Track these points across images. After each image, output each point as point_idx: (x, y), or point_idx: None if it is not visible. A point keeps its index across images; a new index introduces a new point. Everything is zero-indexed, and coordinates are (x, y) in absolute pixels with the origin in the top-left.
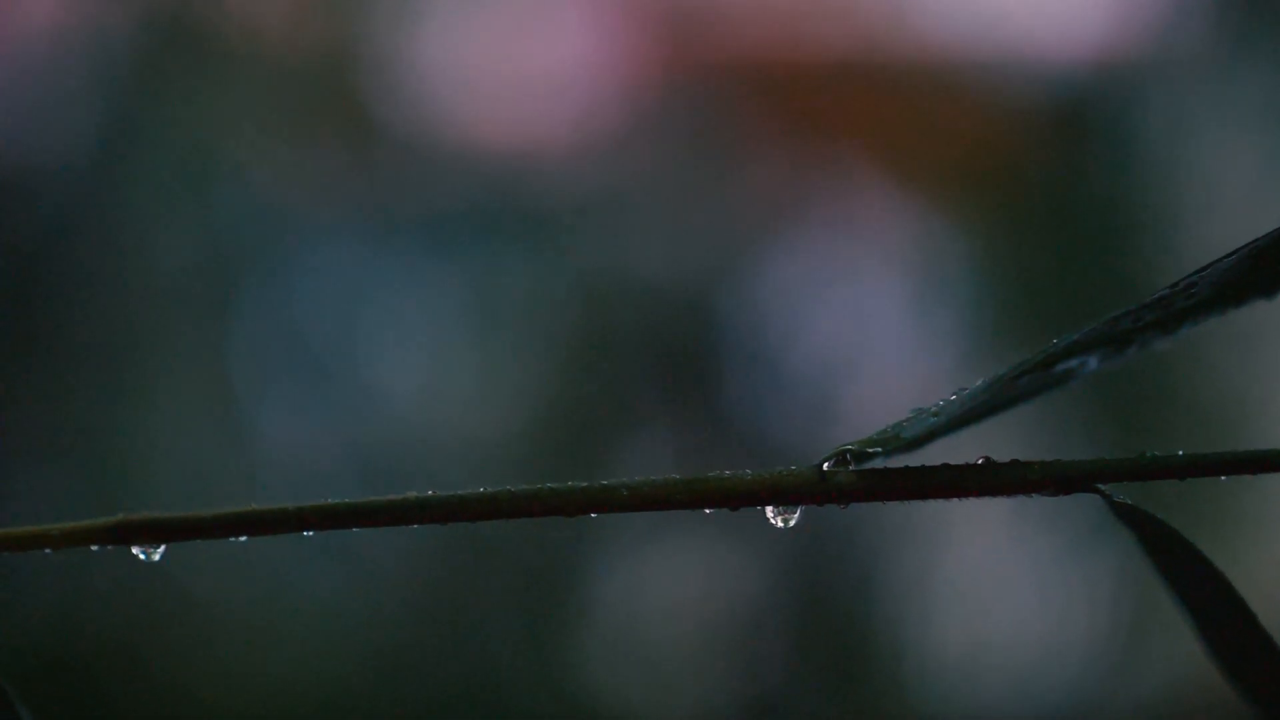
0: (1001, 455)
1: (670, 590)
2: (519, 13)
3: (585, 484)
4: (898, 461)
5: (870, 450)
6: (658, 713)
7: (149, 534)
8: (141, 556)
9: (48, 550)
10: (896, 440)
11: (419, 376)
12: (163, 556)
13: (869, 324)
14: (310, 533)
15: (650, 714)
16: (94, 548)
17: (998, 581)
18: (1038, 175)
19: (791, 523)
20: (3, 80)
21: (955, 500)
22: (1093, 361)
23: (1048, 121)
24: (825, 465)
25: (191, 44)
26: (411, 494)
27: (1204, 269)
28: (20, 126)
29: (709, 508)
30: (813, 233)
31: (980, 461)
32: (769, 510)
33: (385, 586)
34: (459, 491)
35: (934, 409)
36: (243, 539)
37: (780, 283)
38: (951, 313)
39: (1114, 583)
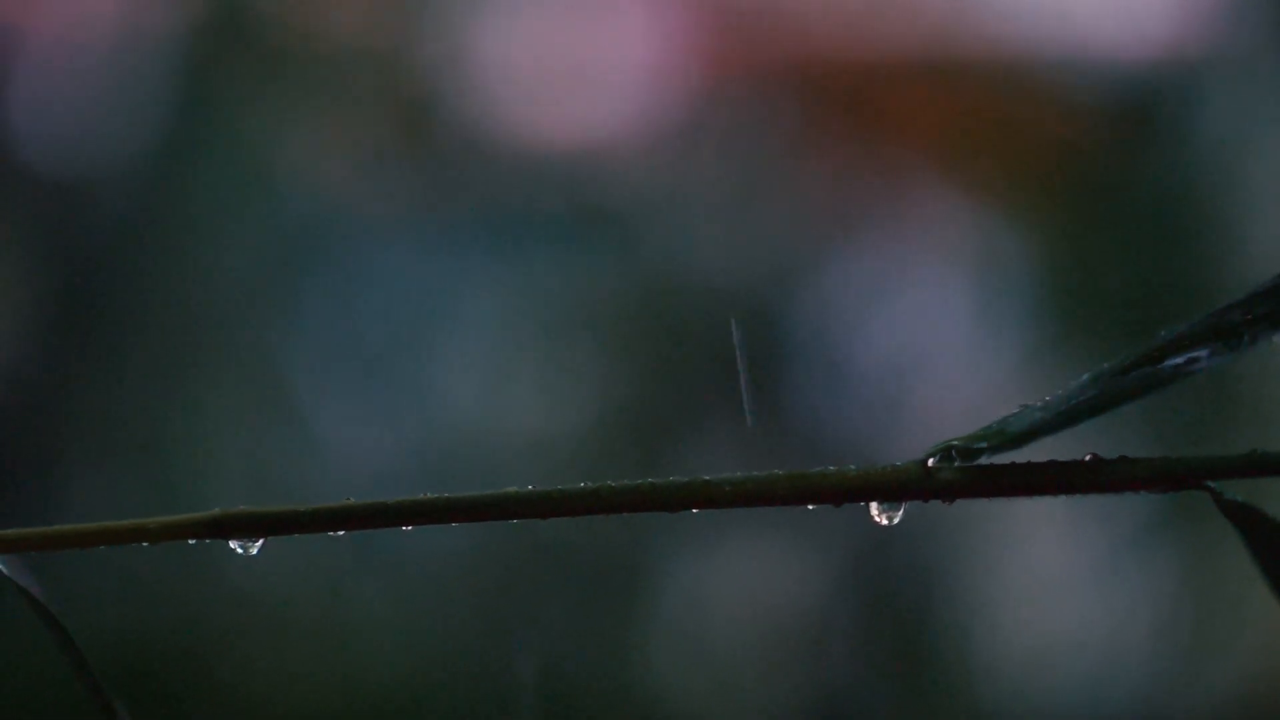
0: (1102, 453)
1: (735, 591)
2: (580, 10)
3: (687, 480)
4: (1003, 458)
5: (976, 446)
6: (723, 715)
7: (247, 528)
8: (239, 550)
9: (145, 544)
10: (1002, 436)
11: (481, 377)
12: (257, 551)
13: (934, 324)
14: (408, 528)
15: (715, 716)
16: (177, 543)
17: (1062, 580)
18: (1103, 174)
19: (896, 520)
20: (65, 84)
21: (1029, 498)
22: (1205, 357)
23: (1112, 119)
24: (930, 461)
25: (251, 45)
26: (510, 489)
27: None
28: (82, 130)
29: (812, 504)
30: (876, 232)
31: (1088, 459)
32: (873, 507)
33: (448, 588)
34: (559, 487)
35: (1040, 405)
36: (339, 533)
37: (844, 282)
38: (1016, 312)
39: (1178, 581)
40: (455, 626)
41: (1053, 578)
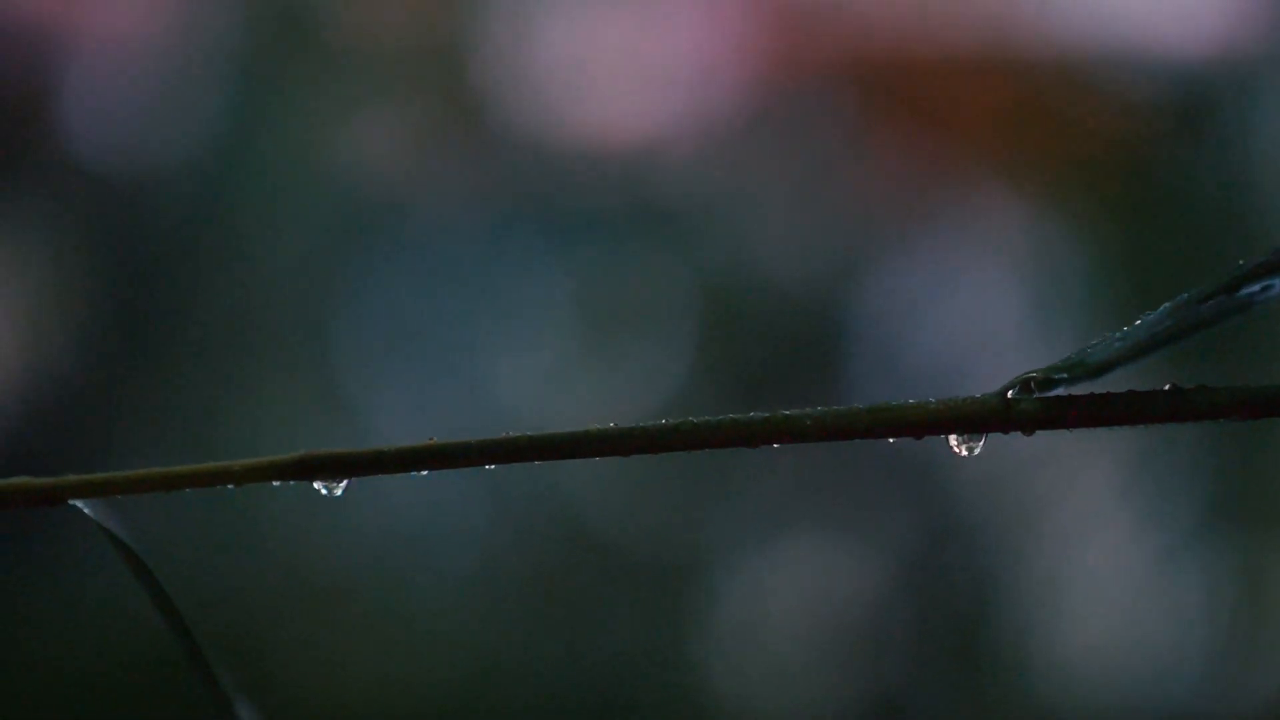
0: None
1: (792, 589)
2: (637, 5)
3: (770, 414)
4: (1082, 390)
5: (1055, 377)
6: (779, 713)
7: (331, 468)
8: (323, 491)
9: (230, 486)
10: (1081, 366)
11: (536, 374)
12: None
13: (989, 321)
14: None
15: (773, 711)
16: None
17: (1118, 580)
18: (1157, 170)
19: (976, 451)
20: (121, 81)
21: (1079, 497)
22: (1278, 285)
23: (1167, 116)
24: (1010, 393)
25: (306, 40)
26: (592, 427)
27: None
28: (138, 126)
29: (894, 437)
30: (931, 228)
31: (1167, 388)
32: (953, 439)
33: (504, 586)
34: (642, 423)
35: (1118, 334)
36: (423, 473)
37: (900, 279)
38: (1070, 308)
39: (1233, 580)
40: (510, 626)
41: (1106, 577)
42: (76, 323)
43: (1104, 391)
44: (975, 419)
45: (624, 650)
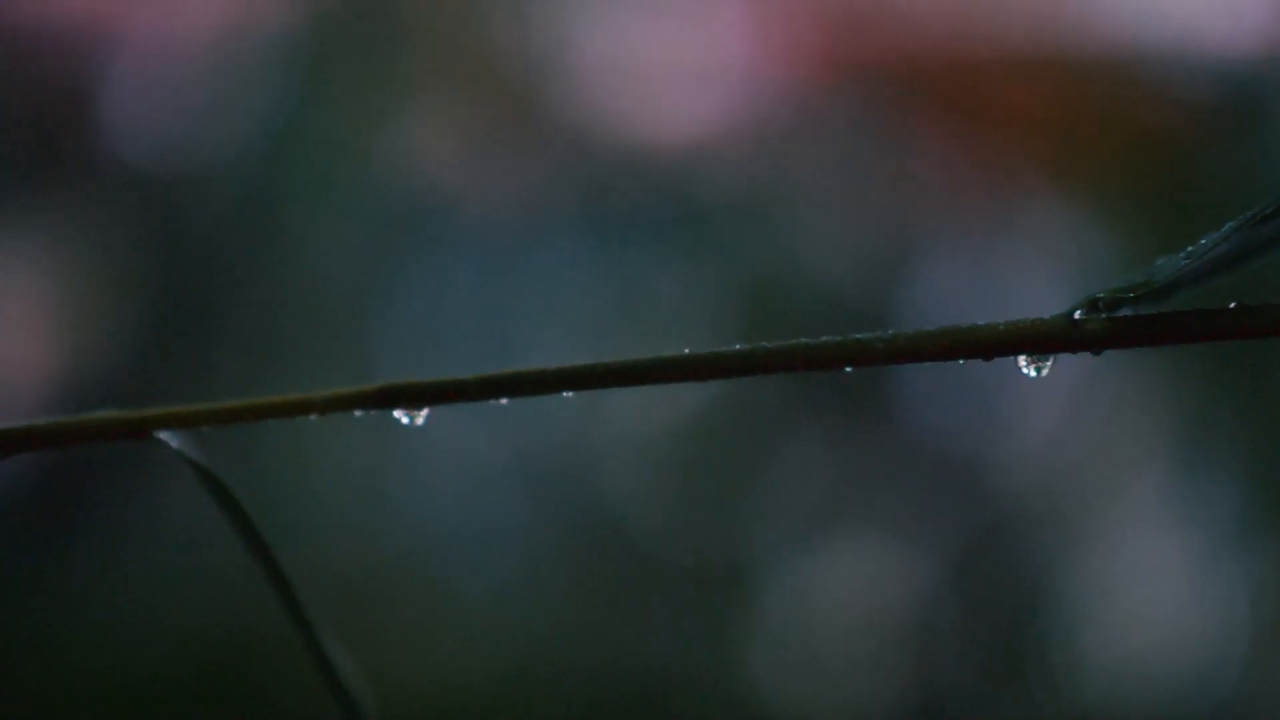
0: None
1: (834, 589)
2: (684, 7)
3: (840, 338)
4: (1148, 310)
5: (1121, 297)
6: (824, 712)
7: (412, 397)
8: (405, 420)
9: (313, 416)
10: (1148, 286)
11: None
12: (423, 421)
13: (1034, 317)
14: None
15: (816, 713)
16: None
17: (1162, 580)
18: (1204, 168)
19: (1044, 372)
20: (171, 79)
21: (1124, 496)
22: None
23: (1213, 114)
24: (1077, 314)
25: (356, 40)
26: (666, 353)
27: None
28: (187, 124)
29: (963, 359)
30: (978, 228)
31: (1232, 306)
32: (1021, 360)
33: (546, 586)
34: (717, 349)
35: (1185, 255)
36: (502, 401)
37: (946, 278)
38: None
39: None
40: (552, 626)
41: (1151, 576)
42: (124, 318)
43: (1170, 311)
44: (1043, 338)
45: (666, 650)
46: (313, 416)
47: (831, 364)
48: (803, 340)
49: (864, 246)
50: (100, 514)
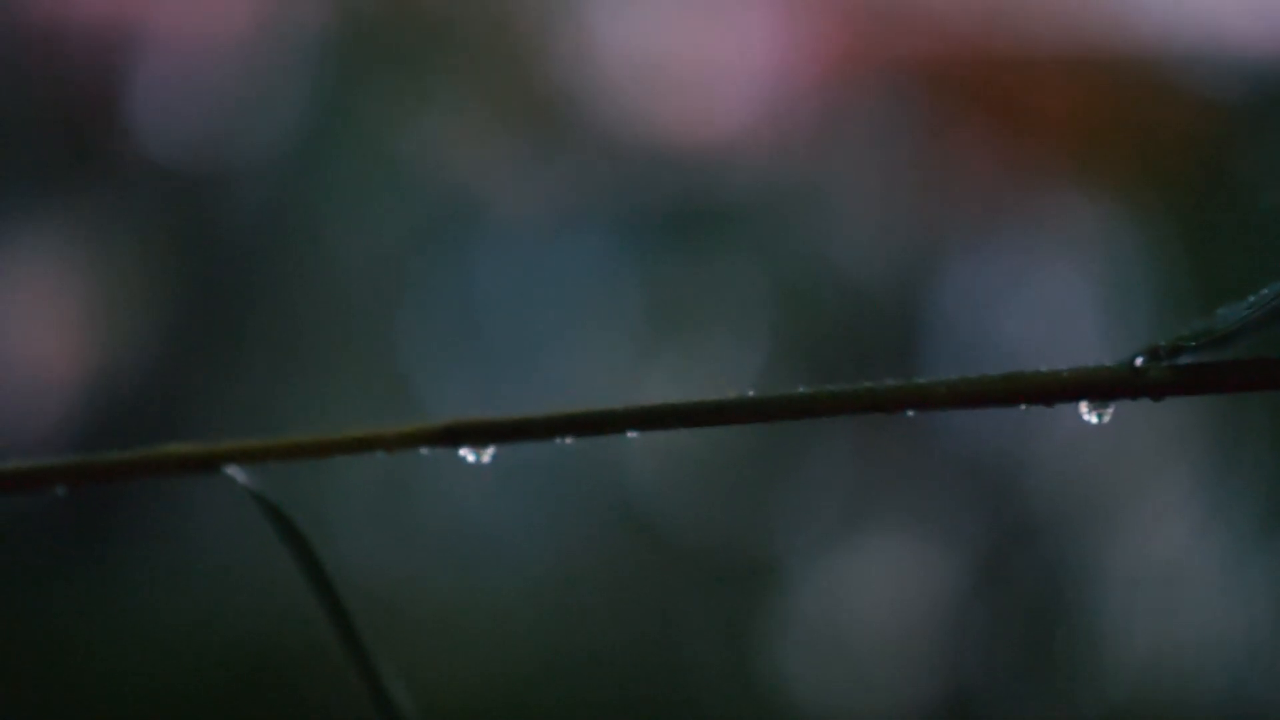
0: None
1: (864, 586)
2: (713, 5)
3: (902, 382)
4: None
5: (1183, 344)
6: (852, 709)
7: (479, 435)
8: (471, 459)
9: (381, 452)
10: (1210, 333)
11: (610, 371)
12: (490, 459)
13: (1064, 317)
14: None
15: (844, 710)
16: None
17: (1191, 577)
18: (1233, 167)
19: (1106, 418)
20: (202, 80)
21: (1152, 494)
22: None
23: (1242, 114)
24: (1138, 360)
25: (385, 42)
26: (731, 394)
27: None
28: (218, 124)
29: (1025, 404)
30: (1007, 226)
31: None
32: (1083, 406)
33: (575, 585)
34: (780, 392)
35: (1247, 303)
36: (567, 440)
37: (974, 279)
38: (1146, 305)
39: None
40: (585, 628)
41: (1182, 573)
42: (154, 317)
43: (1231, 359)
44: (1105, 386)
45: (695, 645)
46: (380, 454)
47: (895, 408)
48: (866, 385)
49: (893, 245)
50: (138, 519)
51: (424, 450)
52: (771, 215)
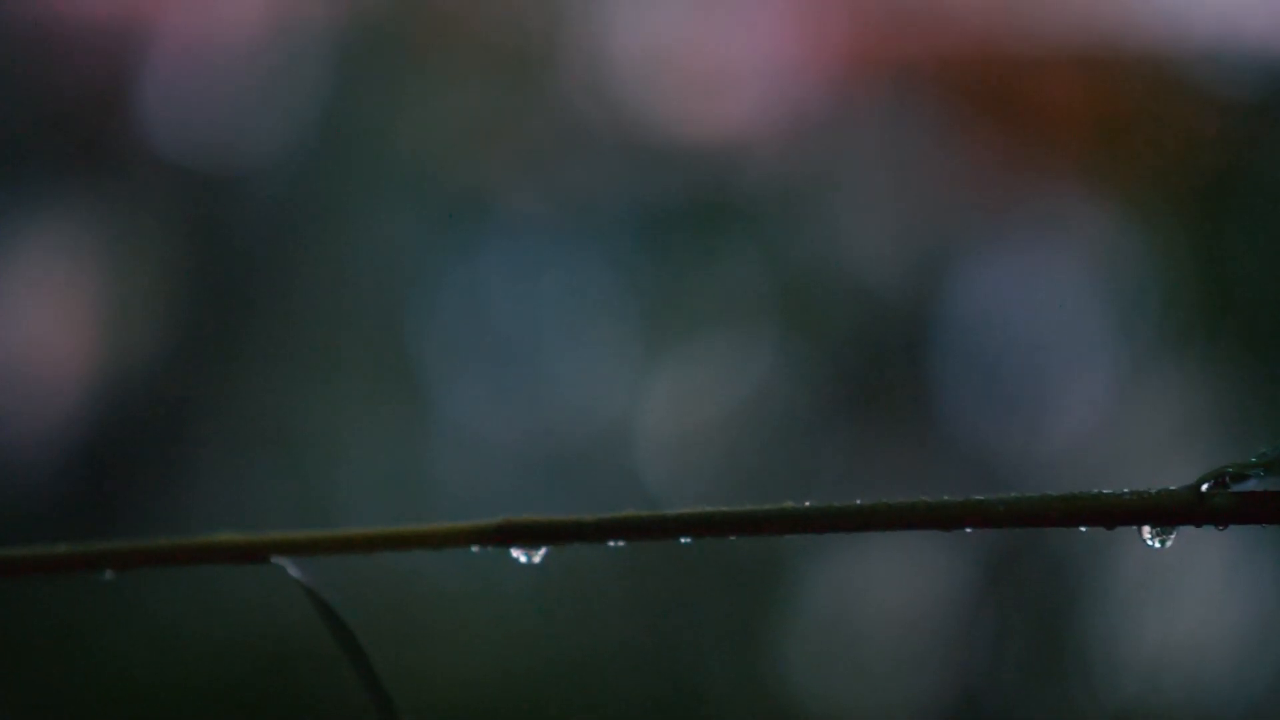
0: None
1: (873, 590)
2: (724, 4)
3: (962, 499)
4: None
5: (1248, 472)
6: (860, 710)
7: (531, 536)
8: (523, 559)
9: (432, 549)
10: (1275, 460)
11: (624, 371)
12: (540, 559)
13: (1075, 320)
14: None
15: (852, 711)
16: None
17: (1196, 581)
18: (1244, 169)
19: (1168, 544)
20: (217, 79)
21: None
22: None
23: (1257, 115)
24: (1204, 487)
25: (396, 38)
26: (788, 504)
27: None
28: (233, 124)
29: (1085, 525)
30: (1018, 227)
31: None
32: (1145, 531)
33: (589, 586)
34: (832, 503)
35: None
36: (619, 543)
37: (986, 277)
38: (1157, 305)
39: None
40: (598, 626)
41: (1187, 577)
42: (166, 313)
43: None
44: (1169, 511)
45: (705, 644)
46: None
47: (955, 525)
48: (924, 499)
49: (904, 243)
50: (146, 516)
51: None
52: (782, 213)
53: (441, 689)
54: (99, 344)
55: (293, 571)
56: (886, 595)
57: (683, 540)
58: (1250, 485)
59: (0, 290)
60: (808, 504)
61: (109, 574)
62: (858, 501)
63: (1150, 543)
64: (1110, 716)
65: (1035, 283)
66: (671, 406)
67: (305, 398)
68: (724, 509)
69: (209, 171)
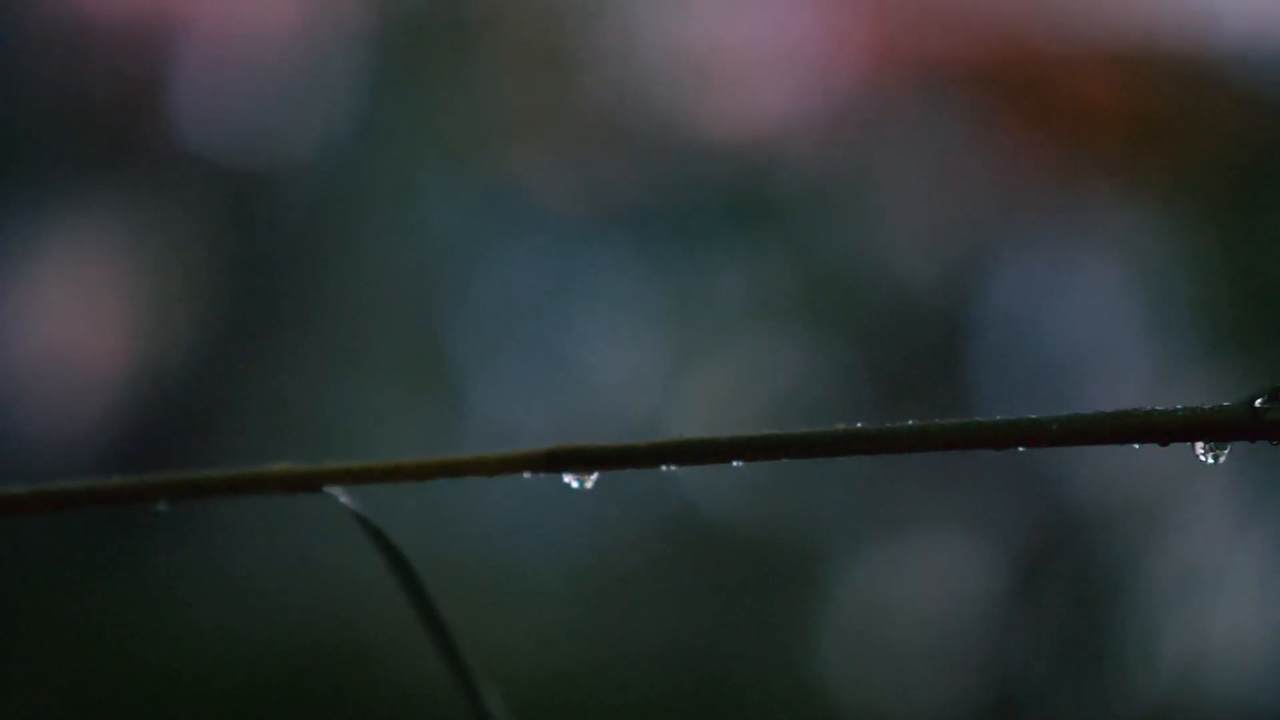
0: None
1: (909, 587)
2: (758, 1)
3: (1016, 418)
4: None
5: None
6: (893, 707)
7: (580, 462)
8: (574, 485)
9: (482, 476)
10: None
11: (652, 368)
12: (592, 485)
13: (1108, 317)
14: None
15: (886, 708)
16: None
17: (1234, 579)
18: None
19: (1221, 459)
20: (252, 76)
21: (1199, 493)
22: None
23: None
24: (1258, 402)
25: (431, 37)
26: (839, 425)
27: None
28: (266, 121)
29: (1139, 442)
30: (1052, 225)
31: None
32: (1199, 446)
33: (620, 579)
34: (889, 424)
35: None
36: (671, 468)
37: (1020, 275)
38: (1191, 303)
39: None
40: (633, 622)
41: (1225, 575)
42: (202, 310)
43: None
44: (1222, 426)
45: (744, 640)
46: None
47: (1007, 444)
48: (975, 419)
49: (938, 241)
50: (173, 514)
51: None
52: (816, 210)
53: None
54: (135, 340)
55: (345, 500)
56: (922, 592)
57: (734, 463)
58: None
59: (37, 286)
60: (860, 424)
61: (162, 506)
62: (910, 422)
63: (1204, 458)
64: (1147, 714)
65: (1068, 280)
66: (704, 403)
67: (339, 393)
68: (774, 432)
69: (245, 167)
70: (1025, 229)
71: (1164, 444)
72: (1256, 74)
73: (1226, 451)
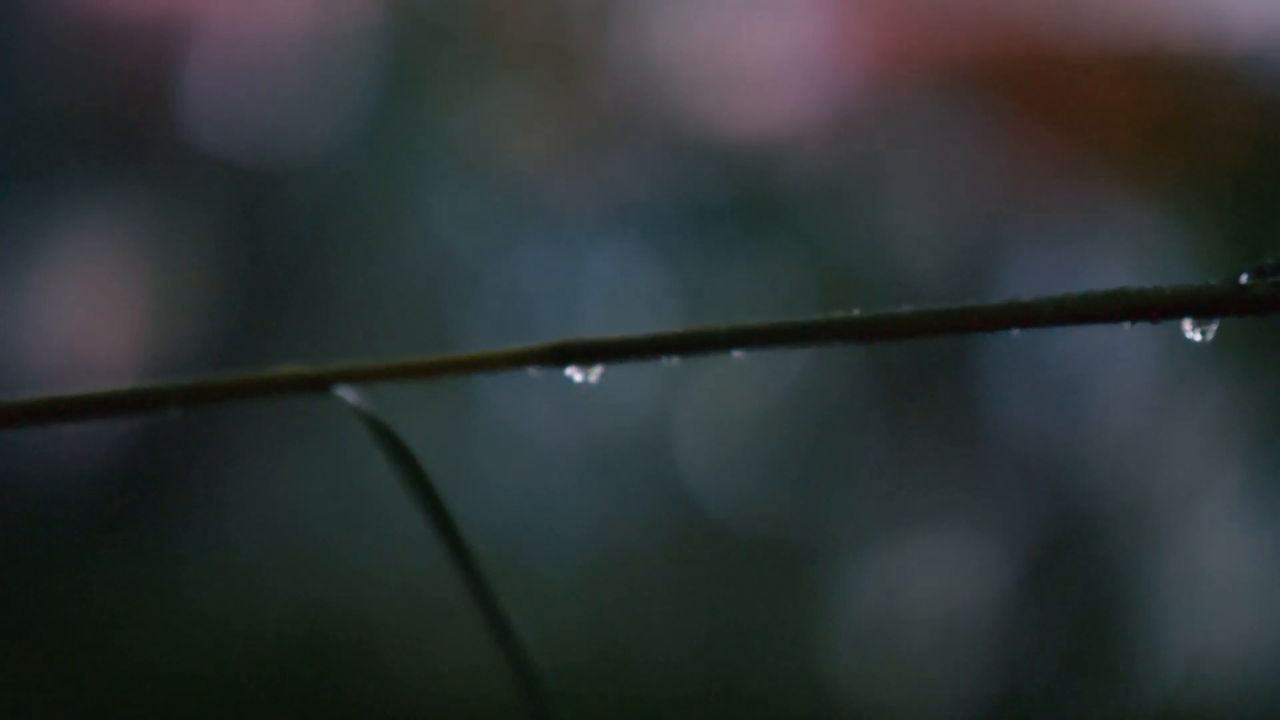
0: None
1: (918, 585)
2: (770, 3)
3: (1011, 300)
4: None
5: None
6: (906, 706)
7: (587, 354)
8: (579, 378)
9: (490, 373)
10: None
11: (661, 367)
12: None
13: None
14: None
15: (894, 703)
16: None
17: (1241, 575)
18: None
19: (1209, 335)
20: (264, 77)
21: (1205, 493)
22: None
23: None
24: (1244, 278)
25: (441, 36)
26: (855, 311)
27: None
28: (279, 121)
29: (1131, 320)
30: (1061, 224)
31: None
32: (1186, 323)
33: (634, 578)
34: (882, 311)
35: None
36: (673, 360)
37: (1027, 273)
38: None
39: None
40: (637, 615)
41: (1233, 571)
42: (213, 307)
43: None
44: (1210, 303)
45: (752, 638)
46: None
47: (1002, 326)
48: (972, 303)
49: (947, 239)
50: (179, 501)
51: (532, 372)
52: (826, 209)
53: (484, 683)
54: (146, 338)
55: (353, 400)
56: (931, 589)
57: (734, 354)
58: None
59: (50, 283)
60: (856, 312)
61: (175, 411)
62: (906, 308)
63: (1192, 334)
64: (1155, 711)
65: (1078, 280)
66: (713, 402)
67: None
68: (776, 321)
69: (255, 166)
70: (1034, 229)
71: (1155, 321)
72: (1266, 75)
73: (1214, 327)
